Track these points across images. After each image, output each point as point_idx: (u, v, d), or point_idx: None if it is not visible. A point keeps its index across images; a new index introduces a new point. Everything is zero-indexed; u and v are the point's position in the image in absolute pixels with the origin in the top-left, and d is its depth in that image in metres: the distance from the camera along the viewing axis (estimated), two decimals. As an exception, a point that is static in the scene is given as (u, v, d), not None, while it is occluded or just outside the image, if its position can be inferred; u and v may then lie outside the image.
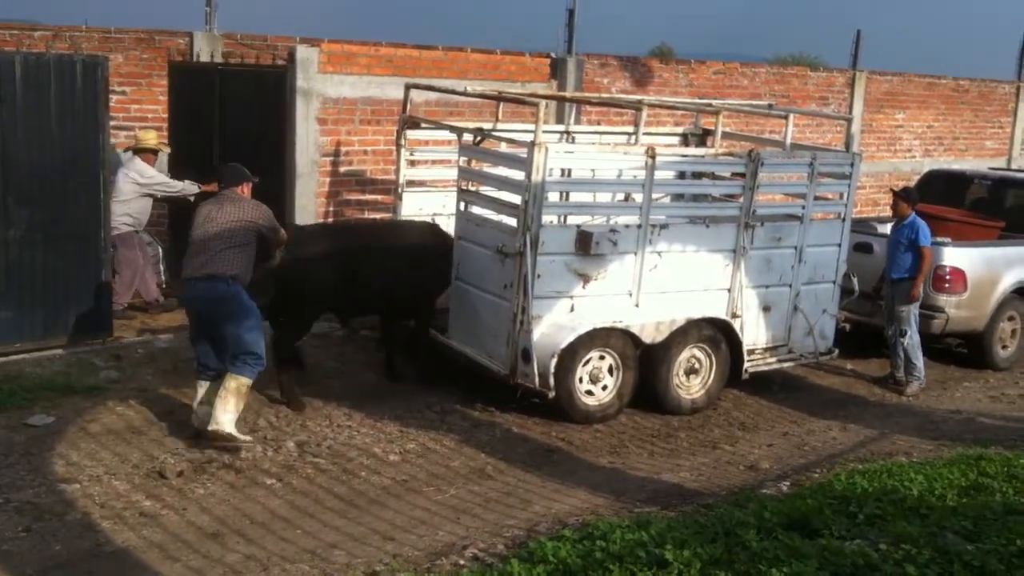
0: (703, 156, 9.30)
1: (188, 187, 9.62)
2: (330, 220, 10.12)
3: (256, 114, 9.96)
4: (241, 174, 7.55)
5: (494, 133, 9.10)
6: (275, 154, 9.97)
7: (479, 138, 8.86)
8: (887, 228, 11.26)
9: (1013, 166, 17.54)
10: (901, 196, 10.04)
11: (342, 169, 10.30)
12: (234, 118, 10.01)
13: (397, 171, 9.53)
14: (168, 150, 9.70)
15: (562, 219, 8.86)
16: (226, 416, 7.07)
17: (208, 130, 10.11)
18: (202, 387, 7.37)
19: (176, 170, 9.91)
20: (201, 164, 9.85)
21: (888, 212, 14.80)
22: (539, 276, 7.88)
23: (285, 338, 8.32)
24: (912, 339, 9.88)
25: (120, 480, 6.56)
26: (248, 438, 7.28)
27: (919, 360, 9.93)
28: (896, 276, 9.88)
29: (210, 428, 7.06)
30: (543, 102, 8.27)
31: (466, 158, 8.78)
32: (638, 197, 8.44)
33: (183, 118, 10.07)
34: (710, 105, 10.34)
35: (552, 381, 7.87)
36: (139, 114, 9.95)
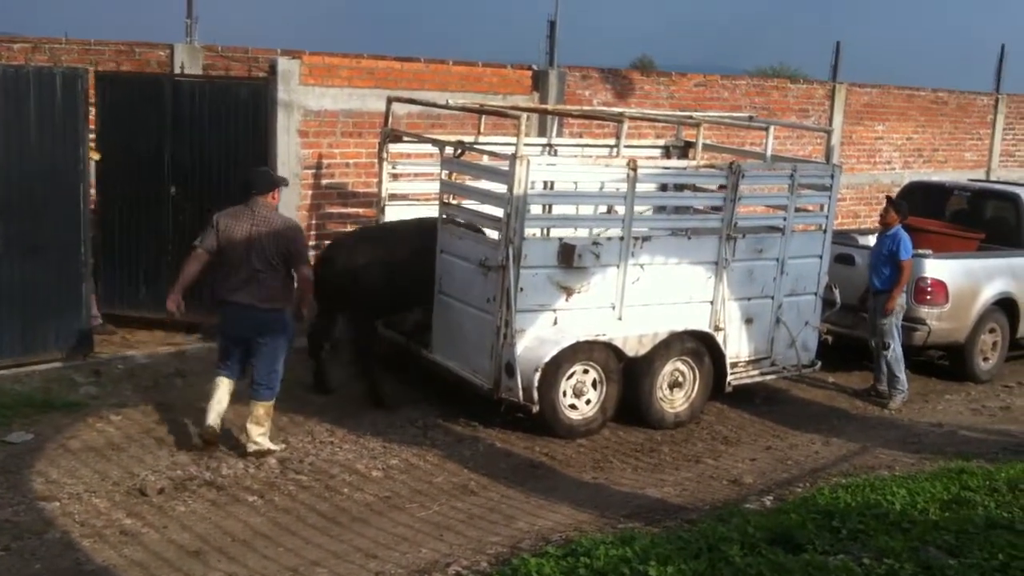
0: (684, 168, 9.33)
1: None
2: (364, 226, 9.87)
3: (222, 125, 9.79)
4: (272, 179, 7.45)
5: (475, 146, 9.10)
6: (234, 165, 9.86)
7: (460, 151, 8.86)
8: (868, 240, 11.33)
9: (992, 177, 17.65)
10: (894, 205, 10.06)
11: (324, 182, 10.25)
12: (191, 129, 9.78)
13: (379, 184, 9.51)
14: (96, 157, 9.42)
15: (545, 232, 8.84)
16: (261, 436, 7.39)
17: (155, 141, 9.88)
18: (220, 385, 7.45)
19: (112, 179, 9.79)
20: (143, 173, 9.78)
21: (869, 223, 14.97)
22: (522, 289, 7.87)
23: (361, 349, 8.68)
24: (895, 352, 9.89)
25: (100, 498, 6.50)
26: (281, 446, 7.57)
27: (902, 373, 9.95)
28: (878, 288, 9.90)
29: (250, 451, 7.33)
30: (524, 115, 8.27)
31: (448, 171, 8.77)
32: (620, 209, 8.45)
33: (121, 129, 9.86)
34: (691, 117, 10.37)
35: (536, 395, 7.86)
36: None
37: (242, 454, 7.36)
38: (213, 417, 7.37)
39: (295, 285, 7.34)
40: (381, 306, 8.78)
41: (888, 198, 10.35)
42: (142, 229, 9.95)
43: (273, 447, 7.47)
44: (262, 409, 7.38)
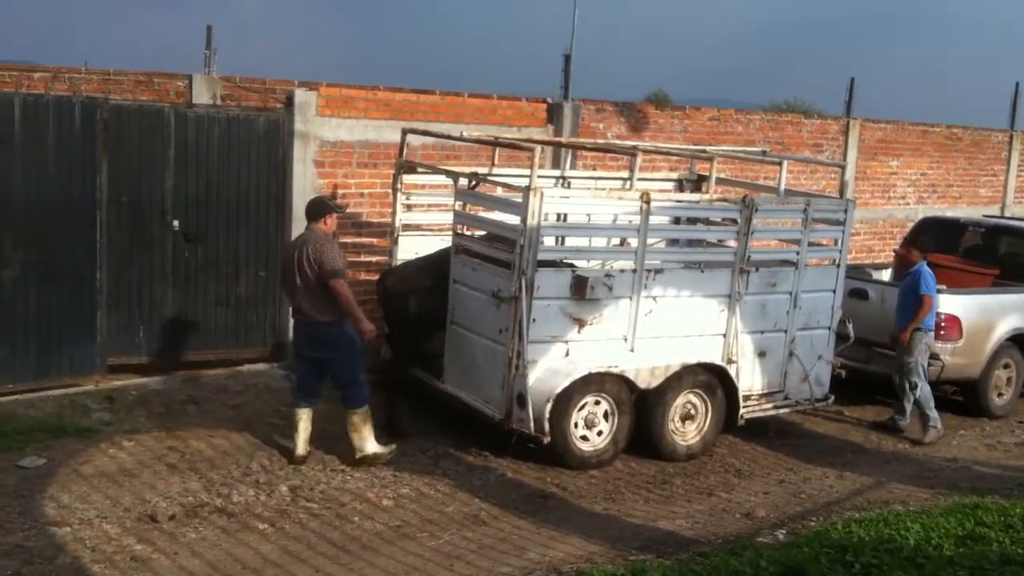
0: (698, 202, 9.35)
1: None
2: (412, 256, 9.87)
3: (237, 155, 9.78)
4: (322, 208, 7.82)
5: (489, 177, 9.14)
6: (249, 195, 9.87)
7: (474, 182, 8.91)
8: (882, 275, 11.31)
9: (1007, 214, 17.62)
10: (914, 243, 10.10)
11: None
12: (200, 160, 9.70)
13: (393, 214, 9.55)
14: None
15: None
16: (366, 443, 7.83)
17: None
18: (301, 414, 7.88)
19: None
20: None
21: (883, 258, 14.94)
22: (534, 320, 7.88)
23: (396, 373, 8.85)
24: (923, 391, 9.86)
25: (111, 523, 6.51)
26: (391, 447, 7.99)
27: (932, 411, 9.89)
28: (902, 326, 9.87)
29: (358, 457, 7.81)
30: (538, 147, 8.32)
31: (462, 202, 8.82)
32: (633, 242, 8.47)
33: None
34: (704, 151, 10.40)
35: (547, 426, 7.84)
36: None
37: (353, 463, 7.81)
38: (301, 447, 7.86)
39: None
40: (425, 333, 8.89)
41: (906, 240, 10.39)
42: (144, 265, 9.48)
43: (380, 450, 7.87)
44: (356, 417, 7.80)
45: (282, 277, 8.02)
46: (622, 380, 8.29)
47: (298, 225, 9.97)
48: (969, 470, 9.06)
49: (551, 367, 8.00)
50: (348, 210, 10.36)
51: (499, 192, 8.94)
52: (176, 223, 9.47)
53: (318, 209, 7.78)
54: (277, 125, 9.85)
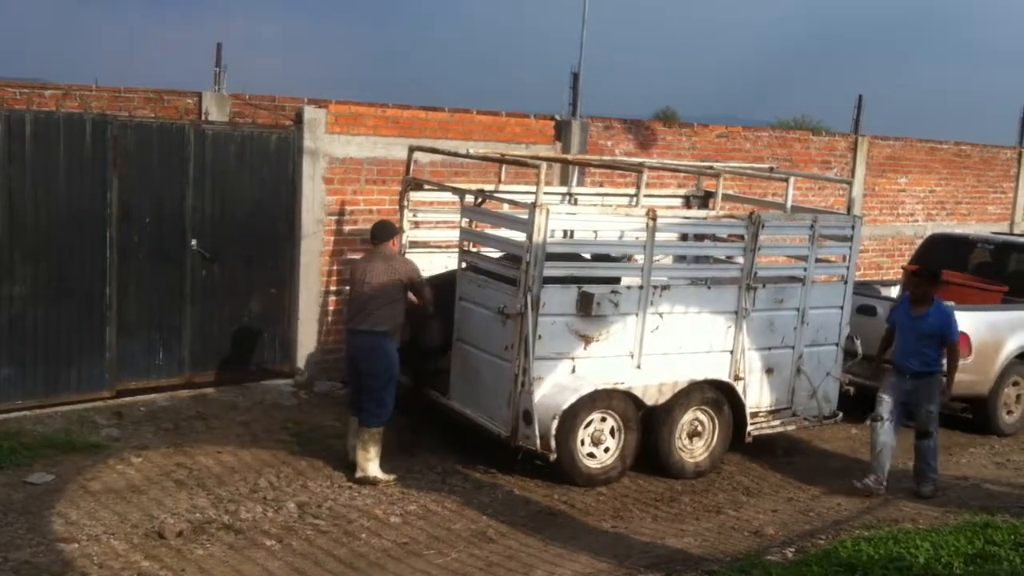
0: (704, 218, 9.35)
1: None
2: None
3: (248, 172, 9.83)
4: (389, 230, 8.24)
5: (495, 194, 9.16)
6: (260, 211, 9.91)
7: (480, 199, 8.93)
8: (891, 291, 11.27)
9: (1016, 231, 17.58)
10: (926, 277, 8.78)
11: (347, 228, 10.34)
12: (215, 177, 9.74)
13: (400, 231, 9.57)
14: None
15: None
16: (369, 463, 7.93)
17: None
18: (353, 422, 8.17)
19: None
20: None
21: (891, 275, 14.91)
22: (540, 337, 7.89)
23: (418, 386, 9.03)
24: (935, 441, 8.76)
25: (119, 540, 6.51)
26: (391, 477, 8.01)
27: (936, 461, 8.81)
28: (917, 370, 8.62)
29: (358, 476, 7.90)
30: (544, 164, 8.34)
31: (468, 219, 8.84)
32: (639, 258, 8.47)
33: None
34: (712, 168, 10.42)
35: (553, 443, 7.83)
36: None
37: (353, 481, 7.87)
38: (352, 455, 8.09)
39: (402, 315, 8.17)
40: (436, 356, 8.94)
41: (915, 272, 9.19)
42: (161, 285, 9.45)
43: (380, 476, 7.95)
44: (367, 434, 7.93)
45: (350, 292, 8.35)
46: (629, 397, 8.28)
47: (307, 242, 10.05)
48: (979, 488, 9.02)
49: (557, 384, 8.00)
50: (355, 227, 10.39)
51: (506, 209, 8.96)
52: (194, 242, 9.51)
53: (388, 231, 8.23)
54: (288, 142, 9.90)
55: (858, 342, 9.68)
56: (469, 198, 8.92)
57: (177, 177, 9.31)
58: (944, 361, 8.71)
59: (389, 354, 8.03)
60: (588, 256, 8.77)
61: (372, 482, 7.87)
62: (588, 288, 8.16)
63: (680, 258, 9.76)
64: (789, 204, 9.39)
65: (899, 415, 8.84)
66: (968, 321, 10.49)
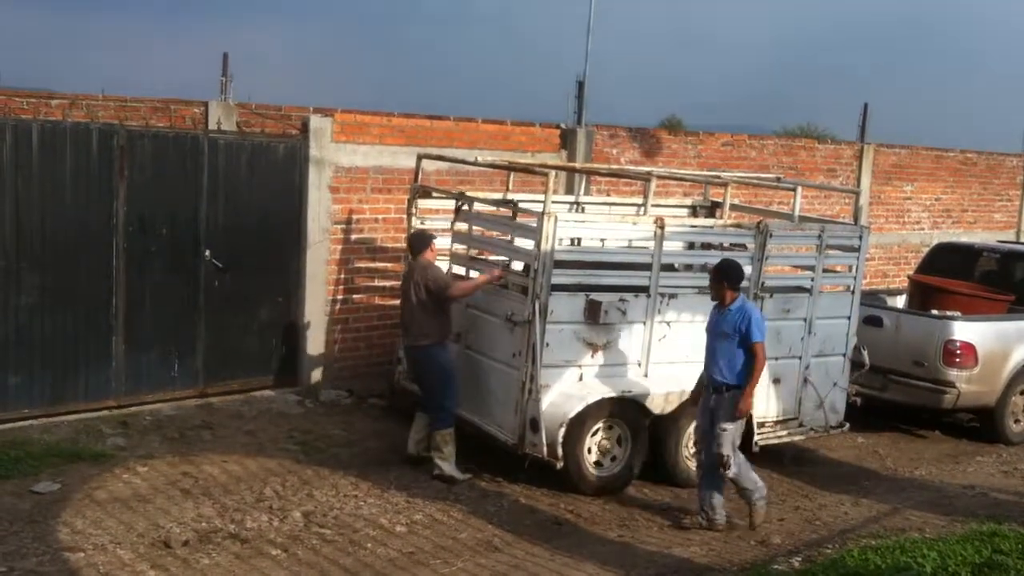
0: (711, 227, 9.34)
1: None
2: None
3: (257, 181, 9.87)
4: (423, 241, 8.47)
5: (519, 203, 9.15)
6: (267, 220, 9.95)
7: (498, 207, 8.94)
8: (896, 300, 11.24)
9: (1022, 239, 17.55)
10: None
11: (353, 237, 10.35)
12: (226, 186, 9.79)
13: (433, 238, 9.55)
14: None
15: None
16: (444, 463, 8.22)
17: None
18: (417, 419, 8.49)
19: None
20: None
21: (898, 283, 14.90)
22: (548, 345, 7.88)
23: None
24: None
25: (125, 549, 6.50)
26: (467, 476, 8.28)
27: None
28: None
29: (434, 474, 8.23)
30: (553, 172, 8.35)
31: (470, 225, 8.85)
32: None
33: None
34: (718, 177, 10.41)
35: (560, 451, 7.82)
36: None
37: (432, 477, 8.17)
38: (411, 446, 8.51)
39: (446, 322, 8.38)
40: None
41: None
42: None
43: (456, 475, 8.20)
44: (438, 437, 8.22)
45: (401, 304, 8.59)
46: (636, 405, 8.26)
47: (314, 251, 10.06)
48: (986, 497, 8.99)
49: (565, 392, 7.99)
50: (361, 235, 10.40)
51: (498, 211, 8.97)
52: (207, 252, 9.53)
53: (422, 241, 8.44)
54: (294, 151, 9.92)
55: (865, 352, 9.65)
56: (478, 205, 8.94)
57: (192, 187, 9.34)
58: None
59: (439, 361, 8.28)
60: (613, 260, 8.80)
61: (449, 480, 8.14)
62: (596, 296, 8.16)
63: (688, 267, 9.74)
64: (796, 214, 9.38)
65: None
66: (974, 331, 10.48)
